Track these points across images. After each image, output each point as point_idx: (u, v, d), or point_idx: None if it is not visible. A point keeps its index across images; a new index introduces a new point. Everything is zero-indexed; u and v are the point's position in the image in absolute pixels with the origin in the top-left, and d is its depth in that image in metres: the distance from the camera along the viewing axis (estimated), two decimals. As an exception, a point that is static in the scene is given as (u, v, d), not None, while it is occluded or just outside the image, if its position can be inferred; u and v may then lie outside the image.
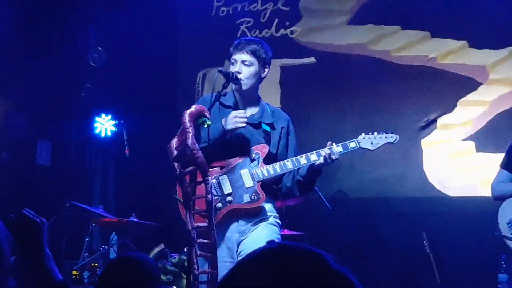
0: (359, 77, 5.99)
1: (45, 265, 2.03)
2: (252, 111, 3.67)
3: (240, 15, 6.67)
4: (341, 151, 3.49)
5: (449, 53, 5.73)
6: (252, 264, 1.06)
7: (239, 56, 3.57)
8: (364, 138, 3.60)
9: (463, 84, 5.65)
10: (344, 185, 5.85)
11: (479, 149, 5.51)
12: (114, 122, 6.69)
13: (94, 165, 6.93)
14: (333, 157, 3.45)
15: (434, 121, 5.64)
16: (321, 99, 6.11)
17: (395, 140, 3.68)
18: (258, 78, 3.63)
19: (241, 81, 3.54)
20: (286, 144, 3.64)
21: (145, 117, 6.56)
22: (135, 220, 5.06)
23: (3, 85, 6.21)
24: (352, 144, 3.55)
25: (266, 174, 3.47)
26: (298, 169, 3.54)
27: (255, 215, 3.50)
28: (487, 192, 5.31)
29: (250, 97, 3.67)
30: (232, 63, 3.60)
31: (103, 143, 6.81)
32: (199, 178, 3.04)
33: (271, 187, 3.59)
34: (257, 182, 3.47)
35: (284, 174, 3.58)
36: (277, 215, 3.63)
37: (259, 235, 3.40)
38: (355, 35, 6.14)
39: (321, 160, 3.43)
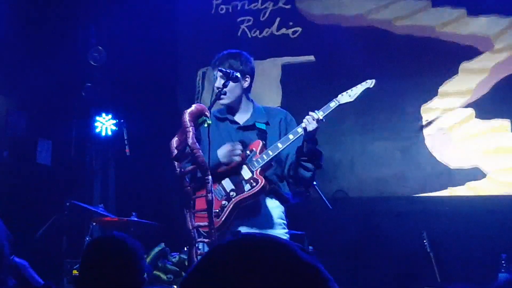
0: (359, 72, 5.98)
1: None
2: (245, 116, 3.74)
3: (240, 13, 6.67)
4: (323, 114, 3.49)
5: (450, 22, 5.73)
6: (216, 257, 1.04)
7: (219, 74, 3.63)
8: (342, 95, 3.62)
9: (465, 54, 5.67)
10: (345, 185, 5.85)
11: (478, 116, 5.52)
12: (114, 121, 6.70)
13: (94, 164, 6.93)
14: (315, 116, 3.44)
15: (434, 120, 5.64)
16: (322, 97, 6.10)
17: (372, 83, 3.64)
18: (241, 89, 3.69)
19: (223, 96, 3.59)
20: (287, 133, 3.64)
21: (146, 116, 6.57)
22: (136, 219, 5.07)
23: (3, 84, 6.21)
24: (332, 104, 3.57)
25: (261, 161, 3.52)
26: (298, 157, 3.55)
27: (259, 220, 3.53)
28: (485, 164, 5.34)
29: (241, 105, 3.74)
30: (214, 80, 3.67)
31: (104, 142, 6.81)
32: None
33: (276, 188, 3.62)
34: (254, 170, 3.52)
35: (285, 168, 3.63)
36: (285, 222, 3.67)
37: None
38: (356, 3, 6.15)
39: (304, 125, 3.44)
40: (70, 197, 5.53)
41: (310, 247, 5.34)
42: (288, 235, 3.70)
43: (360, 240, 5.64)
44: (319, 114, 3.46)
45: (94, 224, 5.82)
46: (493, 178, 5.41)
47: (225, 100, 3.65)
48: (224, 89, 3.57)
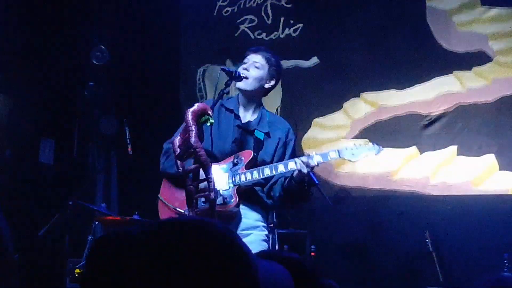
0: (360, 77, 5.99)
1: None
2: (250, 116, 3.70)
3: (242, 13, 6.68)
4: (320, 160, 3.40)
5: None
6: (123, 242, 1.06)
7: (252, 57, 3.63)
8: (346, 149, 3.51)
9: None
10: (347, 184, 5.85)
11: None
12: (117, 120, 6.69)
13: (97, 164, 6.94)
14: (311, 164, 3.36)
15: (436, 120, 5.63)
16: (323, 101, 6.11)
17: (378, 151, 3.52)
18: (262, 85, 3.66)
19: (247, 79, 3.56)
20: (283, 154, 3.63)
21: (148, 116, 6.57)
22: (138, 218, 5.07)
23: (6, 84, 6.21)
24: (333, 154, 3.46)
25: (243, 179, 3.47)
26: (287, 179, 3.51)
27: (234, 224, 3.50)
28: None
29: (251, 102, 3.70)
30: (244, 62, 3.64)
31: (106, 141, 6.81)
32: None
33: (258, 197, 3.59)
34: (234, 186, 3.47)
35: (270, 181, 3.58)
36: (264, 224, 3.62)
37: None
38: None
39: (299, 167, 3.37)
40: (72, 196, 5.54)
41: (313, 246, 5.35)
42: (267, 237, 3.64)
43: (363, 239, 5.64)
44: (316, 159, 3.37)
45: (96, 223, 5.83)
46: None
47: (242, 85, 3.60)
48: (246, 74, 3.55)
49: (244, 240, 3.23)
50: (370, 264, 5.57)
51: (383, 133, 5.73)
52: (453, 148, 5.46)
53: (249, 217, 3.57)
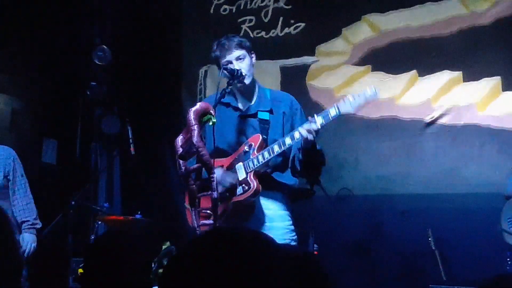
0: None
1: None
2: (249, 101, 3.69)
3: (241, 13, 6.68)
4: (322, 122, 3.33)
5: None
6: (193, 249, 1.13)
7: (231, 55, 3.60)
8: (344, 101, 3.39)
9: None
10: (349, 183, 5.85)
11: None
12: (119, 120, 6.69)
13: (100, 164, 6.95)
14: (315, 128, 3.31)
15: (438, 118, 5.63)
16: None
17: (374, 92, 3.39)
18: (253, 66, 3.67)
19: (246, 77, 3.56)
20: (292, 127, 3.58)
21: (150, 115, 6.58)
22: (141, 218, 5.08)
23: (8, 84, 6.22)
24: (332, 112, 3.35)
25: (256, 163, 3.45)
26: (300, 154, 3.49)
27: (258, 216, 3.51)
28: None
29: (249, 90, 3.68)
30: (226, 65, 3.58)
31: (108, 141, 6.82)
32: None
33: (277, 183, 3.58)
34: (249, 172, 3.46)
35: (288, 163, 3.58)
36: (289, 213, 3.61)
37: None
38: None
39: (304, 135, 3.32)
40: (75, 196, 5.54)
41: (315, 245, 5.34)
42: (292, 227, 3.64)
43: (365, 238, 5.64)
44: (318, 120, 3.33)
45: (99, 223, 5.84)
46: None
47: (248, 80, 3.59)
48: (243, 71, 3.53)
49: (270, 232, 3.24)
50: (372, 263, 5.56)
51: (383, 60, 5.86)
52: (455, 74, 5.56)
53: (271, 208, 3.55)
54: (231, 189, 3.47)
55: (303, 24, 6.38)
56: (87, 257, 2.49)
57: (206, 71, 6.77)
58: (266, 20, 6.57)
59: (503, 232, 4.18)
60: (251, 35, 6.56)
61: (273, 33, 6.51)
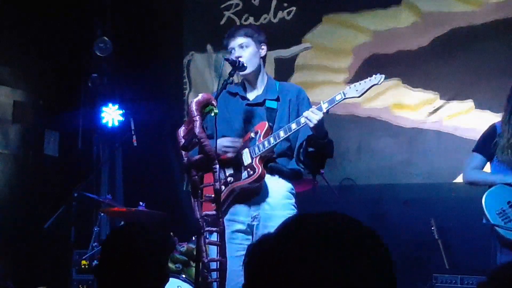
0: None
1: None
2: (257, 92, 3.69)
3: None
4: (328, 106, 3.33)
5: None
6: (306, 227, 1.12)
7: (235, 42, 3.61)
8: (350, 87, 3.40)
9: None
10: (352, 172, 5.84)
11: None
12: (121, 111, 6.70)
13: (102, 155, 6.95)
14: (320, 113, 3.31)
15: (440, 107, 5.62)
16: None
17: (380, 80, 3.38)
18: (259, 57, 3.65)
19: (244, 67, 3.56)
20: (298, 114, 3.56)
21: (152, 106, 6.56)
22: (143, 209, 5.08)
23: (10, 76, 6.22)
24: (338, 97, 3.36)
25: (262, 148, 3.46)
26: (307, 143, 3.49)
27: (262, 203, 3.50)
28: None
29: (256, 80, 3.68)
30: (231, 52, 3.62)
31: (110, 132, 6.81)
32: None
33: (283, 170, 3.58)
34: (254, 157, 3.46)
35: (293, 150, 3.57)
36: (293, 201, 3.59)
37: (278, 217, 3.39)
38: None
39: (306, 114, 3.32)
40: (77, 188, 5.54)
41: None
42: (295, 205, 3.62)
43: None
44: (324, 107, 3.33)
45: (102, 214, 5.85)
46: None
47: (246, 71, 3.59)
48: (242, 60, 3.53)
49: (272, 221, 3.22)
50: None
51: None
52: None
53: (275, 197, 3.54)
54: (236, 173, 3.48)
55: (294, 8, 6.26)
56: (105, 248, 2.46)
57: (189, 62, 6.70)
58: (256, 4, 6.42)
59: (495, 228, 4.13)
60: (238, 23, 6.39)
61: (264, 19, 6.41)
